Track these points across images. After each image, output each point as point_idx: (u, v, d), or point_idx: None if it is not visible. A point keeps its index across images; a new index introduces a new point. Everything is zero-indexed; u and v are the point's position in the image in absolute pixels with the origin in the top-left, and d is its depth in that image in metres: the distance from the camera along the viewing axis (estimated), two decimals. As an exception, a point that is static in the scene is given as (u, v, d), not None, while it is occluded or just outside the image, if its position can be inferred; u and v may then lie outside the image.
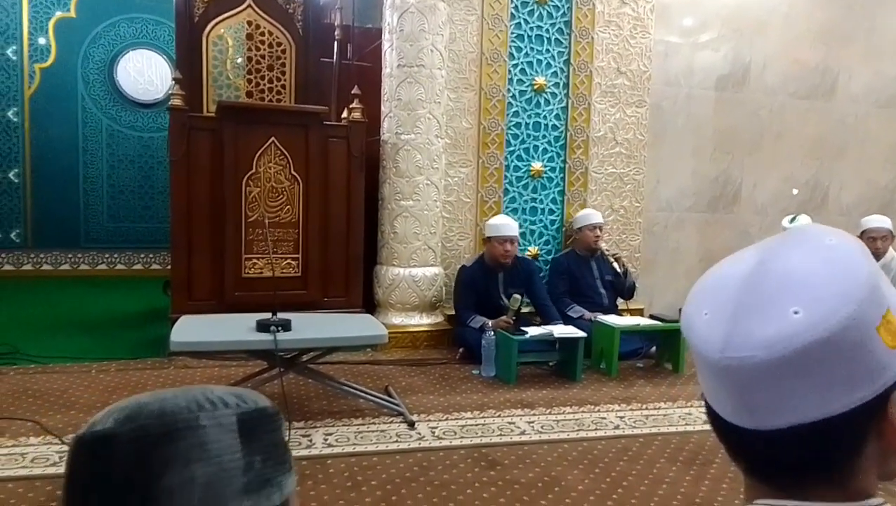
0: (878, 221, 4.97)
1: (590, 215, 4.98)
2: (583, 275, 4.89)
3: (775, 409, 0.55)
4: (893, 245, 4.93)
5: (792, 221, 5.30)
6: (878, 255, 4.96)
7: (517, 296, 4.37)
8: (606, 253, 4.90)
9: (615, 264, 4.83)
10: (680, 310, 5.22)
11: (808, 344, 0.53)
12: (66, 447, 2.79)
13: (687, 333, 0.61)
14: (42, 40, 7.09)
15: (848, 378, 0.54)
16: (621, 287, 4.89)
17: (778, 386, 0.55)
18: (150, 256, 7.57)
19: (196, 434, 0.51)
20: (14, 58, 7.01)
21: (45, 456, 2.75)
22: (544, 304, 4.65)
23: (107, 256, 7.46)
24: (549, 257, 5.21)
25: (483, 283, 4.55)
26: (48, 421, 3.09)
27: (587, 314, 4.65)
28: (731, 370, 0.56)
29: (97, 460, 0.50)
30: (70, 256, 7.32)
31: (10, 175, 7.07)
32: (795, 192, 6.15)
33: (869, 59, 6.21)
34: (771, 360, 0.54)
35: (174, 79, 4.45)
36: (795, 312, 0.54)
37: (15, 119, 7.05)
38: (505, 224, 4.55)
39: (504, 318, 4.32)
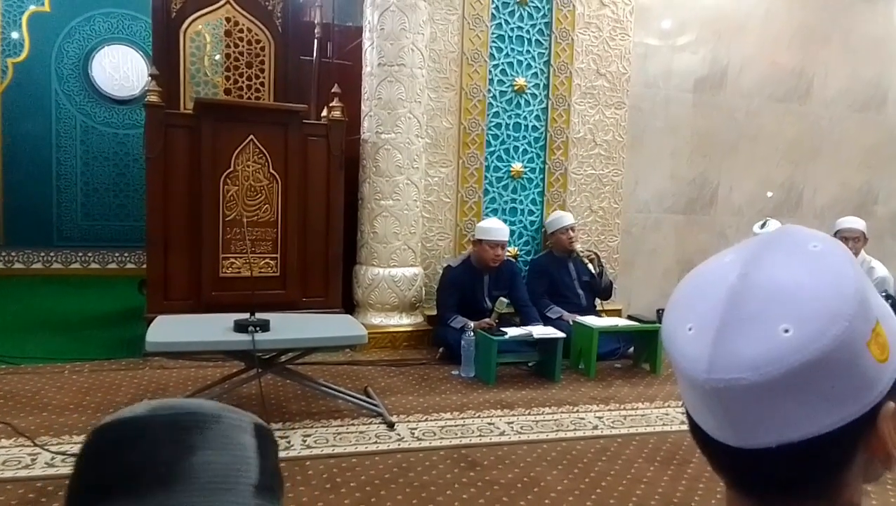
0: (851, 223, 5.05)
1: (562, 218, 5.00)
2: (560, 276, 4.92)
3: (762, 427, 0.54)
4: (866, 248, 5.01)
5: (762, 226, 5.37)
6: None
7: (503, 299, 4.39)
8: (581, 254, 4.92)
9: (590, 265, 4.86)
10: (658, 311, 5.27)
11: (799, 365, 0.51)
12: (38, 450, 2.75)
13: (669, 346, 0.59)
14: (15, 34, 6.96)
15: (838, 395, 0.53)
16: (598, 287, 4.93)
17: (765, 406, 0.53)
18: (125, 254, 7.46)
19: (220, 427, 0.57)
20: (-14, 52, 6.88)
21: (17, 458, 2.69)
22: (525, 305, 4.67)
23: (80, 254, 7.34)
24: (529, 258, 5.22)
25: (469, 284, 4.57)
26: (20, 423, 3.03)
27: (566, 315, 4.67)
28: (718, 391, 0.54)
29: (126, 442, 0.55)
30: (42, 254, 7.19)
31: (-19, 171, 6.94)
32: (770, 194, 6.22)
33: (844, 63, 6.30)
34: (760, 382, 0.52)
35: (151, 75, 4.39)
36: (785, 331, 0.52)
37: (-14, 114, 6.92)
38: (499, 228, 4.55)
39: (487, 320, 4.33)
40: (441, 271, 4.73)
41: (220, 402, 0.61)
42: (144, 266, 6.92)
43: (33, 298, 6.06)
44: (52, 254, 7.23)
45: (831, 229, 5.31)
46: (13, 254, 7.08)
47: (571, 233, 4.92)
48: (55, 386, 3.60)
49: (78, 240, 7.31)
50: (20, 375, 3.77)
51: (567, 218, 4.99)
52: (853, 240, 4.97)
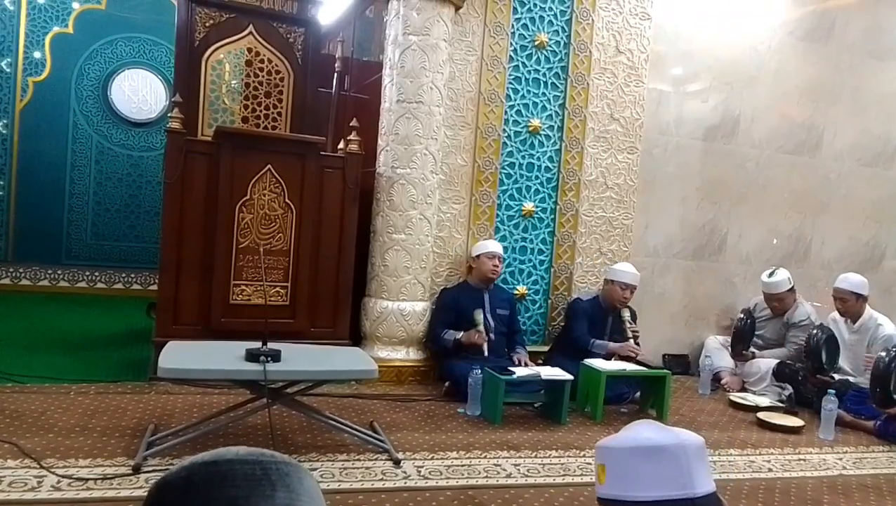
0: (839, 282, 5.00)
1: (628, 274, 4.81)
2: (595, 324, 4.84)
3: None
4: (872, 304, 4.99)
5: (771, 275, 5.39)
6: (841, 313, 5.01)
7: (479, 313, 4.51)
8: (628, 325, 4.74)
9: (628, 330, 4.72)
10: (665, 356, 5.25)
11: None
12: (44, 472, 2.73)
13: None
14: (37, 54, 7.07)
15: None
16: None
17: None
18: (132, 275, 7.48)
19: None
20: (8, 70, 6.97)
21: (24, 480, 2.67)
22: (517, 332, 4.86)
23: (87, 273, 7.36)
24: (537, 298, 5.23)
25: (467, 303, 4.65)
26: (26, 443, 3.01)
27: (612, 346, 4.64)
28: None
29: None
30: (50, 271, 7.21)
31: (-5, 187, 6.99)
32: (775, 242, 6.25)
33: (854, 118, 6.38)
34: None
35: (174, 102, 4.44)
36: None
37: (4, 131, 6.99)
38: (493, 242, 4.88)
39: (477, 331, 4.42)
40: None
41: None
42: (150, 288, 6.99)
43: (39, 316, 6.05)
44: (59, 271, 7.24)
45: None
46: (21, 270, 7.10)
47: (629, 294, 4.78)
48: (61, 407, 3.59)
49: (86, 259, 7.34)
50: (26, 394, 3.76)
51: (634, 277, 4.81)
52: (840, 299, 4.94)
